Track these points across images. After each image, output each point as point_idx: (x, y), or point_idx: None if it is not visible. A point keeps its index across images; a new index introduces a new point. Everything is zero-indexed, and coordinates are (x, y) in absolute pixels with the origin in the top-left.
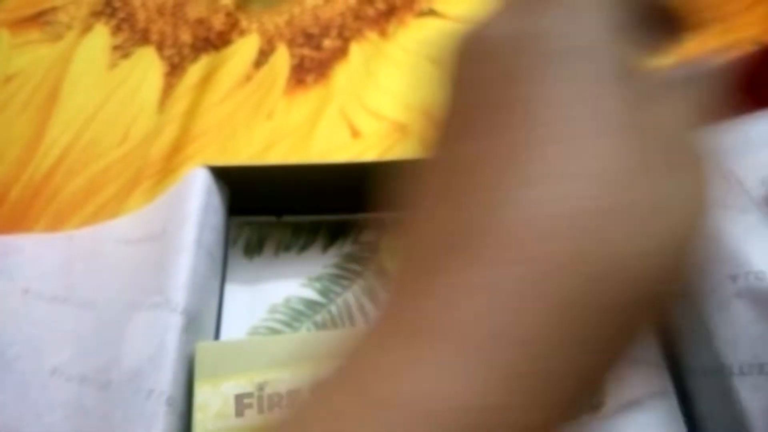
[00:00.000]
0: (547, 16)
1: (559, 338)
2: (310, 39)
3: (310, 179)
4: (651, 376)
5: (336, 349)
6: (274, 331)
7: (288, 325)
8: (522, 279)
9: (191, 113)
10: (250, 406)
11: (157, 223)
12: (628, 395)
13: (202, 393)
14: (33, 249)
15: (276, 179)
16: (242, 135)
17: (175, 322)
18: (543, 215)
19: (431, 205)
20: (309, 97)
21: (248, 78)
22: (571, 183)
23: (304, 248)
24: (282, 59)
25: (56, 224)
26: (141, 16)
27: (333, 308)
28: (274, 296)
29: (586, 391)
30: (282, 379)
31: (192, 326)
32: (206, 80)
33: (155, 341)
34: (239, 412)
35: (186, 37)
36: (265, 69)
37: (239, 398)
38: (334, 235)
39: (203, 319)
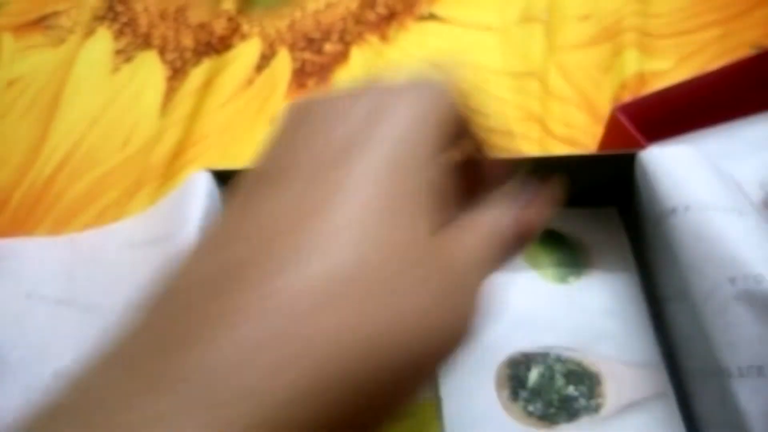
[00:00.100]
0: (375, 109)
1: (313, 407)
2: (312, 43)
3: None
4: (650, 378)
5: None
6: None
7: None
8: (279, 351)
9: (193, 117)
10: None
11: (159, 226)
12: (627, 397)
13: None
14: (35, 252)
15: None
16: (244, 138)
17: None
18: (304, 291)
19: (202, 258)
20: None
21: (250, 82)
22: (334, 263)
23: None
24: (283, 63)
25: (59, 228)
26: (143, 20)
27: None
28: None
29: None
30: None
31: None
32: (208, 84)
33: None
34: None
35: (188, 41)
36: (266, 73)
37: None
38: None
39: None
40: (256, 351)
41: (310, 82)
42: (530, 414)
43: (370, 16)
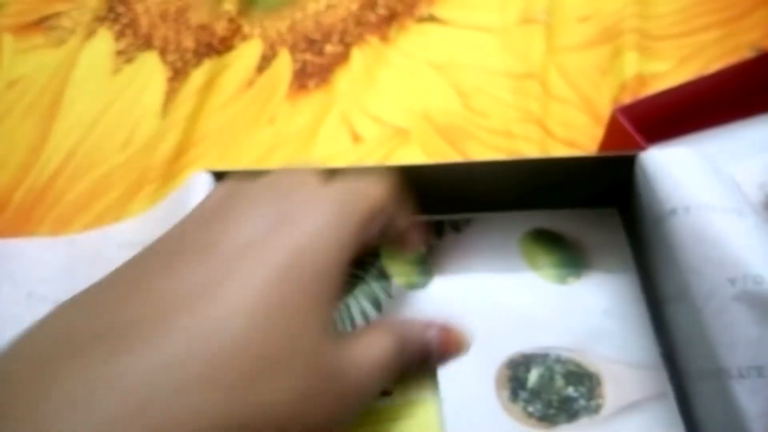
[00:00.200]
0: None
1: None
2: (312, 44)
3: None
4: (650, 379)
5: None
6: None
7: None
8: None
9: (194, 118)
10: None
11: (160, 227)
12: (627, 398)
13: None
14: (36, 253)
15: None
16: (244, 139)
17: None
18: (158, 374)
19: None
20: (311, 102)
21: (250, 83)
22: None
23: None
24: (284, 64)
25: (59, 228)
26: (144, 21)
27: (334, 312)
28: None
29: None
30: None
31: None
32: (209, 85)
33: None
34: None
35: (189, 42)
36: (267, 74)
37: None
38: None
39: None
40: None
41: (311, 83)
42: (530, 415)
43: (371, 17)
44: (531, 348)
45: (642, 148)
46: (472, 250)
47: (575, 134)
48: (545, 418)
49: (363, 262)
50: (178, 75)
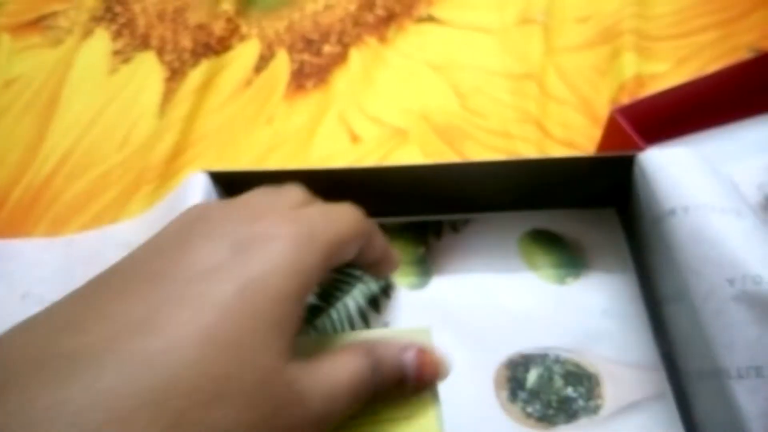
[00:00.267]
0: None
1: None
2: (310, 44)
3: (310, 184)
4: (649, 379)
5: None
6: None
7: None
8: None
9: (191, 118)
10: None
11: (157, 228)
12: (626, 398)
13: None
14: (32, 253)
15: (276, 184)
16: (242, 140)
17: None
18: (96, 404)
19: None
20: (309, 103)
21: (248, 83)
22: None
23: None
24: (282, 64)
25: (56, 228)
26: (141, 21)
27: (333, 313)
28: None
29: None
30: None
31: None
32: (206, 85)
33: None
34: None
35: (186, 42)
36: (265, 74)
37: None
38: None
39: None
40: None
41: (309, 84)
42: (529, 415)
43: (369, 17)
44: (530, 348)
45: (640, 149)
46: (470, 250)
47: (573, 135)
48: (544, 419)
49: None
50: (175, 75)
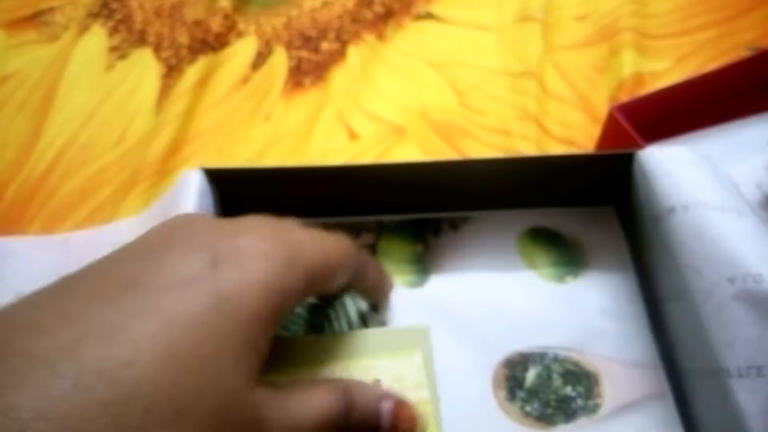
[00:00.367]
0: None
1: None
2: (308, 41)
3: (308, 182)
4: (648, 378)
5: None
6: None
7: (285, 328)
8: None
9: (188, 115)
10: None
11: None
12: (625, 397)
13: None
14: (27, 252)
15: (274, 181)
16: (240, 137)
17: None
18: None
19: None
20: (307, 100)
21: (246, 80)
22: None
23: None
24: (280, 61)
25: (52, 225)
26: (138, 17)
27: (331, 311)
28: None
29: None
30: (279, 381)
31: None
32: (204, 82)
33: None
34: None
35: (183, 38)
36: (262, 71)
37: None
38: None
39: None
40: None
41: (307, 81)
42: (528, 414)
43: (367, 14)
44: (529, 347)
45: (640, 147)
46: (469, 248)
47: (572, 132)
48: (543, 418)
49: None
50: (172, 71)
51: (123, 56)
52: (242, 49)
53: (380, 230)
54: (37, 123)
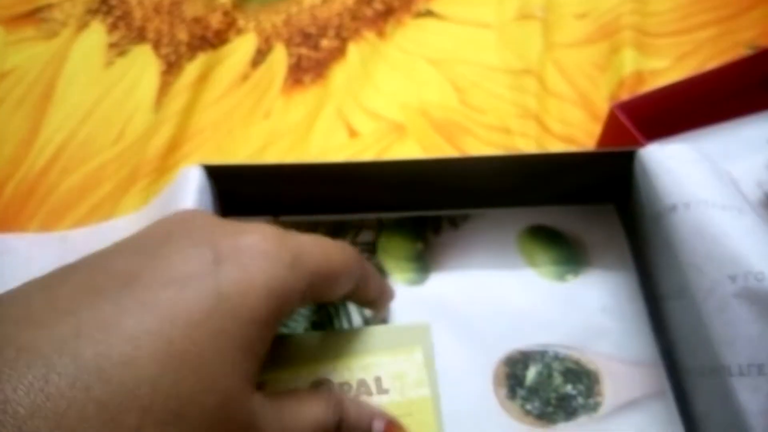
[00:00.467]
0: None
1: None
2: (308, 39)
3: (308, 179)
4: (649, 376)
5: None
6: None
7: (285, 325)
8: None
9: (188, 112)
10: None
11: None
12: (626, 395)
13: None
14: (26, 249)
15: (273, 179)
16: (239, 134)
17: None
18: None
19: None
20: (306, 97)
21: (245, 77)
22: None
23: None
24: (279, 59)
25: (51, 222)
26: (137, 14)
27: (331, 308)
28: None
29: None
30: (281, 378)
31: None
32: (203, 79)
33: None
34: None
35: (183, 35)
36: (262, 68)
37: None
38: (331, 235)
39: None
40: None
41: (306, 78)
42: (528, 413)
43: (367, 11)
44: (529, 345)
45: (641, 144)
46: (469, 246)
47: (572, 130)
48: (543, 416)
49: None
50: (171, 68)
51: (122, 53)
52: (242, 46)
53: (380, 228)
54: (36, 120)
